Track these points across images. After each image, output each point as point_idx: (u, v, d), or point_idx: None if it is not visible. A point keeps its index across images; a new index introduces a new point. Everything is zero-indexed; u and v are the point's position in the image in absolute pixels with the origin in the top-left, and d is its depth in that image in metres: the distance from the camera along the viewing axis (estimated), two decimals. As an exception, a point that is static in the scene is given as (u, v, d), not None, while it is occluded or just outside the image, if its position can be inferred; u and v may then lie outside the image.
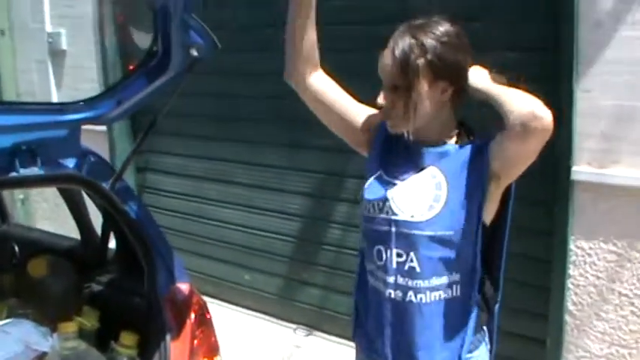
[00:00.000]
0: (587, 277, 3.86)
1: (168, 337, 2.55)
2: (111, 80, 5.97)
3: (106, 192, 2.57)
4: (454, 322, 2.19)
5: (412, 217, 2.11)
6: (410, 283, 2.14)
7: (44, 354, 2.61)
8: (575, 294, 3.92)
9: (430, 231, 2.10)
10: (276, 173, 5.27)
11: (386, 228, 2.16)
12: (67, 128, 2.49)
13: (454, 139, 2.20)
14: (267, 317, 5.48)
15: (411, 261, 2.13)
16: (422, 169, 2.18)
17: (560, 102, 3.72)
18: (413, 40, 2.05)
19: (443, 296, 2.16)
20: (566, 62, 3.70)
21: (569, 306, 3.95)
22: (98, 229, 3.07)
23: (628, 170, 3.63)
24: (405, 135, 2.19)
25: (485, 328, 2.32)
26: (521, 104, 2.02)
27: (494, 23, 4.03)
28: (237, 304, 5.66)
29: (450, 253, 2.12)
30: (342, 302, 4.84)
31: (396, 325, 2.21)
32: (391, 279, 2.17)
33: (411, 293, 2.15)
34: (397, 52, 2.05)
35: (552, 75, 3.82)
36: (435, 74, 2.06)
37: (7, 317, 2.85)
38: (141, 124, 5.71)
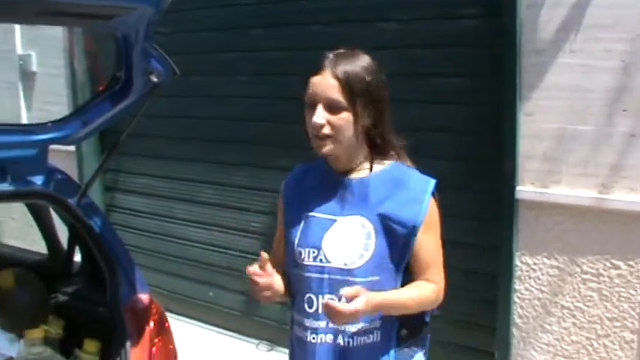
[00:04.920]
0: (532, 291, 4.00)
1: (128, 344, 2.66)
2: (80, 102, 6.04)
3: (72, 207, 2.70)
4: None
5: (345, 264, 2.18)
6: (340, 326, 2.19)
7: (11, 358, 2.73)
8: (521, 307, 4.06)
9: (361, 277, 2.16)
10: (239, 192, 5.38)
11: (319, 275, 2.21)
12: (36, 148, 2.63)
13: (367, 167, 2.24)
14: (230, 333, 5.56)
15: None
16: (345, 201, 2.23)
17: (505, 125, 3.92)
18: (351, 66, 2.12)
19: (366, 341, 2.23)
20: (510, 87, 3.86)
21: (516, 319, 4.09)
22: (64, 243, 3.18)
23: (568, 190, 3.79)
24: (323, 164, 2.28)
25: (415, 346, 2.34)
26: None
27: (439, 50, 4.22)
28: (201, 321, 5.74)
29: None
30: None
31: None
32: (323, 324, 2.22)
33: (340, 337, 2.21)
34: (340, 74, 2.10)
35: (496, 100, 3.99)
36: (369, 98, 2.13)
37: (-24, 326, 2.97)
38: (108, 144, 5.79)
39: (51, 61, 6.54)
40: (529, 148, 3.89)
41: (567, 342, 3.94)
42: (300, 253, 2.26)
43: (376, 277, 2.17)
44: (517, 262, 4.03)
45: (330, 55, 2.17)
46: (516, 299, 4.07)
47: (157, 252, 5.92)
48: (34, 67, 6.72)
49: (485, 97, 4.11)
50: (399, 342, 2.27)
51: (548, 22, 3.73)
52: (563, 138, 3.78)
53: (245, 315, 5.53)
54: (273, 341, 5.30)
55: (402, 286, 2.22)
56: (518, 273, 4.04)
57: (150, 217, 6.07)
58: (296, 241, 2.28)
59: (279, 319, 5.23)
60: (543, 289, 3.97)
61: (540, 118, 3.83)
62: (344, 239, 2.20)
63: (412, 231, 2.17)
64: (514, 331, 4.11)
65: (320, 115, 2.13)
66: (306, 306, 2.25)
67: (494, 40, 4.01)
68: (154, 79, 2.49)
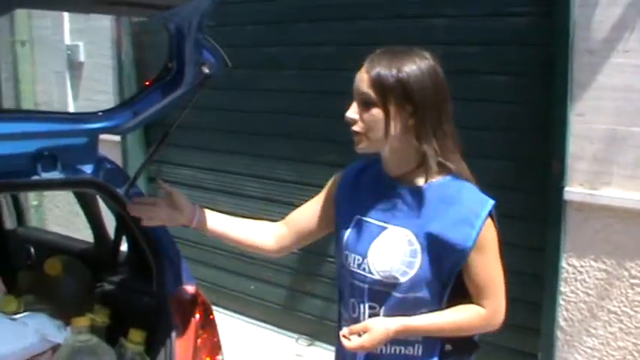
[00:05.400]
0: (577, 294, 3.96)
1: (173, 335, 2.66)
2: (126, 92, 6.13)
3: (121, 197, 2.70)
4: None
5: (387, 279, 2.12)
6: None
7: (58, 345, 2.76)
8: (566, 310, 4.02)
9: (401, 293, 2.11)
10: (284, 187, 5.39)
11: (361, 284, 2.17)
12: (86, 136, 2.64)
13: (422, 176, 2.14)
14: (270, 327, 5.59)
15: (381, 314, 2.16)
16: (395, 208, 2.16)
17: (554, 125, 3.88)
18: (389, 61, 2.05)
19: (404, 352, 2.19)
20: (561, 87, 3.82)
21: (561, 321, 4.05)
22: (111, 232, 3.20)
23: (618, 192, 3.75)
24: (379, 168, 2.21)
25: None
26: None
27: (489, 47, 4.20)
28: (241, 313, 5.77)
29: (418, 311, 2.13)
30: (343, 313, 4.89)
31: None
32: None
33: (381, 346, 2.15)
34: (372, 68, 2.06)
35: (546, 99, 3.96)
36: (405, 98, 2.03)
37: (24, 311, 3.00)
38: (154, 135, 5.85)
39: (98, 52, 6.59)
40: (579, 148, 3.85)
41: (613, 347, 3.90)
42: (347, 257, 2.23)
43: (418, 294, 2.12)
44: (563, 264, 3.99)
45: (377, 51, 2.13)
46: (562, 302, 4.03)
47: (200, 243, 5.92)
48: (82, 58, 6.78)
49: (536, 97, 4.06)
50: (441, 356, 2.21)
51: (602, 22, 3.69)
52: (614, 139, 3.74)
53: (285, 309, 5.55)
54: (313, 336, 5.34)
55: (454, 302, 2.16)
56: (565, 275, 4.00)
57: (193, 209, 6.05)
58: (344, 243, 2.25)
59: (320, 313, 5.25)
60: (590, 292, 3.93)
61: (591, 119, 3.78)
62: (390, 252, 2.14)
63: (461, 254, 2.09)
64: (558, 333, 4.08)
65: (352, 111, 2.11)
66: (350, 310, 2.24)
67: (546, 39, 3.97)
68: (206, 70, 2.48)
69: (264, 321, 5.65)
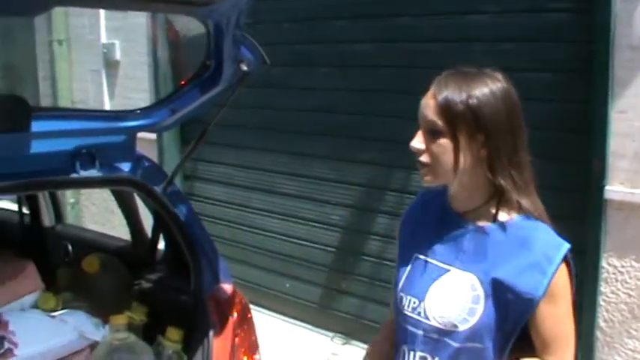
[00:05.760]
0: (618, 295, 3.91)
1: (211, 334, 2.66)
2: (162, 91, 6.15)
3: (159, 195, 2.71)
4: None
5: (444, 326, 1.92)
6: None
7: (96, 342, 2.78)
8: (607, 311, 3.97)
9: (459, 343, 1.91)
10: (319, 185, 5.38)
11: (414, 329, 1.99)
12: (124, 134, 2.65)
13: (492, 213, 1.94)
14: (305, 325, 5.58)
15: None
16: (460, 250, 1.96)
17: (595, 122, 3.83)
18: (457, 85, 1.86)
19: None
20: (602, 84, 3.77)
21: (600, 322, 4.00)
22: (148, 231, 3.20)
23: (660, 191, 3.69)
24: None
25: None
26: None
27: (529, 44, 4.15)
28: (276, 311, 5.76)
29: None
30: (379, 312, 4.88)
31: None
32: None
33: None
34: (439, 93, 1.86)
35: (588, 96, 3.91)
36: (477, 126, 1.85)
37: (63, 309, 3.02)
38: (190, 133, 5.87)
39: (134, 50, 6.62)
40: (620, 146, 3.79)
41: (654, 349, 3.83)
42: (402, 298, 2.04)
43: (477, 345, 1.91)
44: (604, 264, 3.93)
45: (444, 73, 1.93)
46: (602, 302, 3.97)
47: (235, 241, 5.97)
48: (118, 56, 6.81)
49: (576, 94, 4.01)
50: None
51: (645, 17, 3.63)
52: (656, 137, 3.67)
53: (321, 307, 5.54)
54: (349, 334, 5.31)
55: (517, 356, 1.94)
56: (605, 275, 3.94)
57: (228, 206, 6.11)
58: (400, 284, 2.06)
59: (355, 312, 5.25)
60: (631, 293, 3.88)
61: (633, 116, 3.73)
62: (450, 297, 1.94)
63: (529, 304, 1.85)
64: (598, 334, 4.02)
65: (417, 140, 1.91)
66: (401, 358, 2.05)
67: (587, 36, 3.92)
68: (244, 67, 2.48)
69: (299, 319, 5.64)
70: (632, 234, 3.82)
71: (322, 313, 5.52)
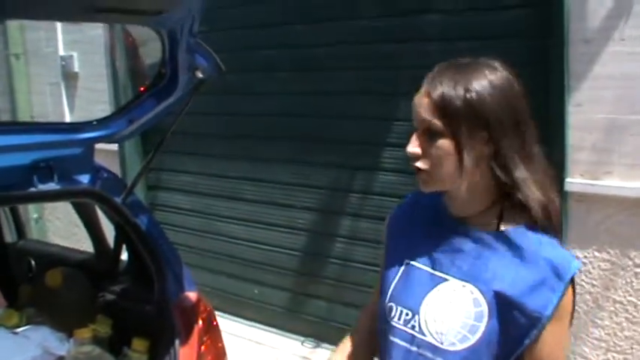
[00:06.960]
0: (582, 286, 3.93)
1: (177, 343, 2.64)
2: (122, 101, 6.08)
3: (119, 205, 2.69)
4: None
5: (441, 343, 1.72)
6: None
7: (61, 358, 2.74)
8: (572, 302, 3.99)
9: None
10: (283, 189, 5.37)
11: (406, 345, 1.78)
12: (82, 146, 2.63)
13: (495, 218, 1.75)
14: (275, 330, 5.57)
15: None
16: (458, 257, 1.77)
17: (553, 116, 3.86)
18: (453, 78, 1.69)
19: None
20: (557, 78, 3.81)
21: (566, 314, 4.02)
22: (111, 242, 3.18)
23: (620, 181, 3.73)
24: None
25: None
26: None
27: (484, 41, 4.15)
28: (246, 318, 5.74)
29: None
30: (348, 314, 4.89)
31: None
32: None
33: None
34: (434, 88, 1.68)
35: (544, 90, 3.92)
36: (479, 122, 1.67)
37: (26, 325, 2.97)
38: (151, 143, 5.83)
39: (93, 62, 6.57)
40: (578, 139, 3.83)
41: (620, 337, 3.88)
42: (391, 309, 1.83)
43: None
44: (567, 255, 3.94)
45: (436, 67, 1.74)
46: (567, 293, 3.98)
47: (201, 249, 5.94)
48: (76, 68, 6.77)
49: (533, 89, 3.95)
50: None
51: (596, 11, 3.67)
52: (613, 128, 3.72)
53: (290, 312, 5.53)
54: (319, 338, 5.30)
55: None
56: (569, 267, 3.95)
57: (193, 214, 6.08)
58: (389, 293, 1.85)
59: (325, 315, 5.24)
60: (594, 283, 3.91)
61: (589, 109, 3.77)
62: (449, 311, 1.74)
63: (535, 323, 1.66)
64: (565, 325, 4.03)
65: (413, 144, 1.72)
66: None
67: (541, 31, 3.95)
68: (200, 75, 2.47)
69: (269, 325, 5.63)
70: (593, 225, 3.86)
71: (291, 317, 5.50)
